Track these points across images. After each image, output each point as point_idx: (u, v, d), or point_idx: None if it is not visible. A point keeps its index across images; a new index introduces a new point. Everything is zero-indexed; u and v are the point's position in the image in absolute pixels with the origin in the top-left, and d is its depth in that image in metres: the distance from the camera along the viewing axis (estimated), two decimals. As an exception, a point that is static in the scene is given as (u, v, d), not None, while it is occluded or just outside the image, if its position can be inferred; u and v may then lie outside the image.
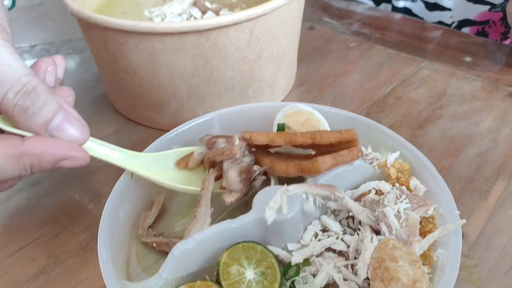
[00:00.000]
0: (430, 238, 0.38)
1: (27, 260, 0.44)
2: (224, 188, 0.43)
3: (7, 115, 0.36)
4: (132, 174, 0.45)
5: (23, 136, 0.36)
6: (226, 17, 0.47)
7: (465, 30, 0.82)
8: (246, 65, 0.53)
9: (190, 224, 0.41)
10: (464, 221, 0.37)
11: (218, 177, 0.44)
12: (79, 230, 0.46)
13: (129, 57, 0.51)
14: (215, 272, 0.37)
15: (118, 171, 0.44)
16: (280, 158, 0.43)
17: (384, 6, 0.86)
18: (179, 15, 0.63)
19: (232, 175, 0.43)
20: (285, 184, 0.40)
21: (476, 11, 0.80)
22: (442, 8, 0.80)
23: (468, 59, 0.68)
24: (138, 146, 0.56)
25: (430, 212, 0.40)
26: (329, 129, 0.49)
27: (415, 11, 0.83)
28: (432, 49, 0.71)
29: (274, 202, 0.38)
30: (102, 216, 0.39)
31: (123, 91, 0.56)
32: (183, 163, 0.47)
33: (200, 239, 0.39)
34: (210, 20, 0.47)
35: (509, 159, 0.51)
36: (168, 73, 0.51)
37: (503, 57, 0.68)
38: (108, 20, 0.47)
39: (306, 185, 0.40)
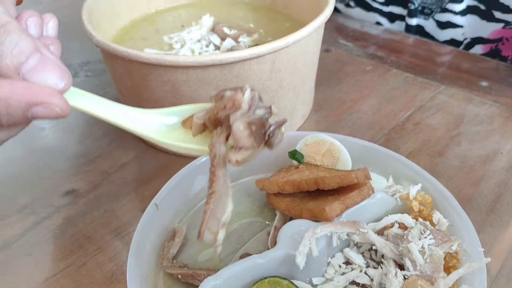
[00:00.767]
0: (455, 275, 0.39)
1: (55, 290, 0.45)
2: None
3: None
4: (157, 205, 0.46)
5: None
6: (249, 50, 0.48)
7: (478, 47, 0.83)
8: (268, 95, 0.53)
9: (210, 203, 0.34)
10: (489, 259, 0.37)
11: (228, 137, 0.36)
12: (104, 260, 0.47)
13: (153, 88, 0.51)
14: (243, 308, 0.38)
15: (142, 197, 0.45)
16: (294, 203, 0.45)
17: (398, 24, 0.86)
18: (198, 41, 0.64)
19: (239, 127, 0.34)
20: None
21: (489, 29, 0.80)
22: (454, 26, 0.81)
23: (484, 83, 0.68)
24: (160, 172, 0.57)
25: (454, 248, 0.41)
26: (349, 159, 0.50)
27: (427, 29, 0.83)
28: (447, 73, 0.71)
29: (304, 247, 0.39)
30: (130, 251, 0.40)
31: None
32: (189, 122, 0.39)
33: (228, 275, 0.39)
34: (234, 53, 0.47)
35: (529, 188, 0.52)
36: (192, 103, 0.52)
37: (520, 82, 0.68)
38: (133, 53, 0.48)
39: (331, 224, 0.41)
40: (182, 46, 0.63)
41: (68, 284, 0.45)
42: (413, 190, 0.46)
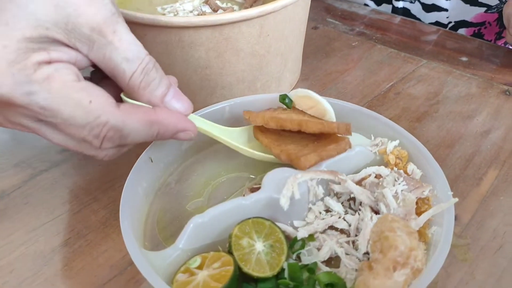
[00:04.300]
0: (425, 216, 0.42)
1: (51, 234, 0.47)
2: None
3: (133, 89, 0.41)
4: (151, 158, 0.49)
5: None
6: (239, 13, 0.50)
7: (462, 31, 0.86)
8: (256, 59, 0.56)
9: None
10: (457, 199, 0.40)
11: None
12: (98, 208, 0.50)
13: (148, 49, 0.54)
14: (228, 244, 0.41)
15: (136, 154, 0.47)
16: (276, 142, 0.47)
17: (385, 7, 0.89)
18: (191, 12, 0.67)
19: None
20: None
21: (472, 13, 0.83)
22: (439, 9, 0.84)
23: (464, 59, 0.71)
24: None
25: (425, 193, 0.44)
26: (334, 118, 0.53)
27: (413, 11, 0.87)
28: (430, 49, 0.74)
29: (287, 190, 0.42)
30: (123, 191, 0.43)
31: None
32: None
33: (214, 214, 0.42)
34: (224, 15, 0.50)
35: (501, 150, 0.55)
36: (183, 65, 0.55)
37: (498, 58, 0.72)
38: (129, 14, 0.51)
39: (312, 171, 0.44)
40: (174, 15, 0.65)
41: (63, 228, 0.48)
42: (391, 145, 0.49)
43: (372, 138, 0.52)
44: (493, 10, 0.82)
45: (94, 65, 0.41)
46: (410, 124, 0.59)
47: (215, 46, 0.53)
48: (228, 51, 0.54)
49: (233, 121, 0.55)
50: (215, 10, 0.66)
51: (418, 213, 0.44)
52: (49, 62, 0.37)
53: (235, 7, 0.68)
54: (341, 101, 0.54)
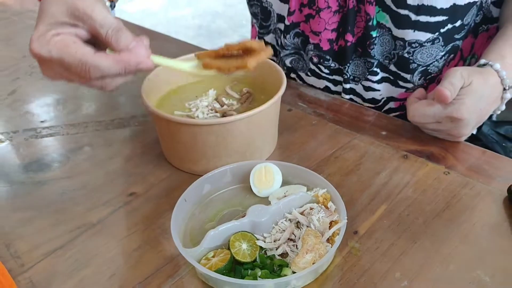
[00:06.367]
0: (332, 230, 0.78)
1: (130, 242, 0.85)
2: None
3: (108, 43, 0.67)
4: (185, 199, 0.86)
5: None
6: (233, 117, 0.89)
7: (391, 103, 1.24)
8: (246, 139, 0.95)
9: None
10: (345, 221, 0.78)
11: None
12: (154, 228, 0.87)
13: (181, 135, 0.93)
14: (228, 245, 0.78)
15: (174, 199, 0.85)
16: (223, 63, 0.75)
17: (339, 87, 1.28)
18: (206, 106, 1.06)
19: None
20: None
21: (398, 92, 1.22)
22: (374, 90, 1.23)
23: (384, 133, 1.09)
24: (183, 184, 0.97)
25: (334, 218, 0.81)
26: (280, 173, 0.90)
27: (357, 90, 1.25)
28: (363, 126, 1.12)
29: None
30: (172, 218, 0.80)
31: (176, 152, 0.98)
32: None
33: (221, 229, 0.79)
34: (225, 119, 0.89)
35: (391, 193, 0.92)
36: (202, 144, 0.93)
37: (406, 132, 1.09)
38: (171, 117, 0.90)
39: (275, 207, 0.81)
40: (196, 109, 1.04)
41: (135, 241, 0.85)
42: (321, 192, 0.86)
43: (306, 188, 0.89)
44: (410, 91, 1.21)
45: (93, 35, 0.68)
46: (341, 177, 0.97)
47: (221, 134, 0.91)
48: (229, 136, 0.92)
49: (233, 179, 0.93)
50: (221, 105, 1.05)
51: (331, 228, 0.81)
52: (58, 34, 0.66)
53: (234, 102, 1.07)
54: (295, 165, 0.92)
